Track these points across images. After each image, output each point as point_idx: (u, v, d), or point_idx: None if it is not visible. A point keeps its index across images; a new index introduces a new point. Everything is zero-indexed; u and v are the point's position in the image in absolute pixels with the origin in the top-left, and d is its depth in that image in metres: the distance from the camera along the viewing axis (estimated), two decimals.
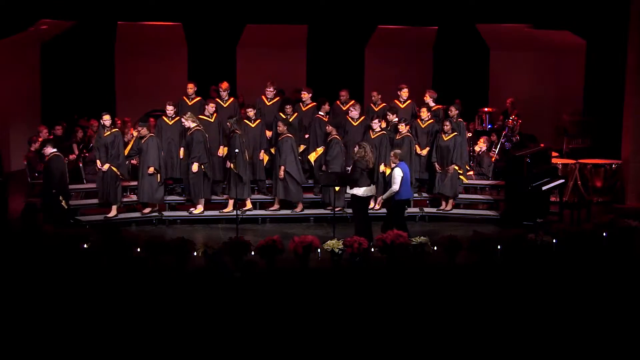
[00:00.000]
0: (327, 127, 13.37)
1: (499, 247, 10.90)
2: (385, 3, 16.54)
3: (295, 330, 8.63)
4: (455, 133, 13.33)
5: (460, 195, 13.87)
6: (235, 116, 13.33)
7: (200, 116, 13.49)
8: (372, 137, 13.21)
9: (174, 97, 13.97)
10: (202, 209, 13.13)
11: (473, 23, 17.85)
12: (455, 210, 13.68)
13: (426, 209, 13.72)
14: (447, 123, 13.33)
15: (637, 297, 9.60)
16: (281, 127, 13.15)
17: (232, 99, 14.16)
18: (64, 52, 18.10)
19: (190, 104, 13.93)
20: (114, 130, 12.92)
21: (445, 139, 13.32)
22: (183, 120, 12.96)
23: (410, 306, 9.33)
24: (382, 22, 17.92)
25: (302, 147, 13.73)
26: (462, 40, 18.64)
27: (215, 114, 13.56)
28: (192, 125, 12.86)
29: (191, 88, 14.01)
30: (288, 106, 13.74)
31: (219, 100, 13.96)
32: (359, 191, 11.63)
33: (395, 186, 11.48)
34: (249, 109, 13.60)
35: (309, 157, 13.69)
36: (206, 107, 13.57)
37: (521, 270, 10.60)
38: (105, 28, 17.61)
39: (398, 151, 11.88)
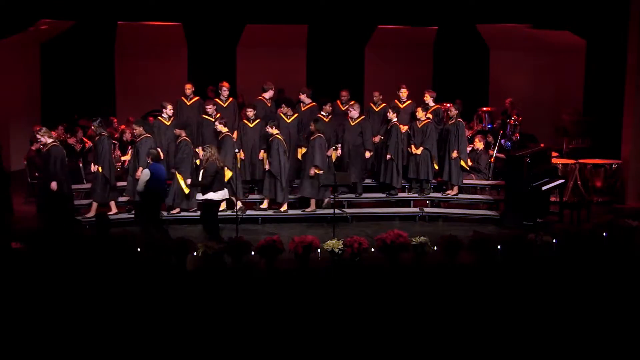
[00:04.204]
0: (175, 130, 13.08)
1: (499, 247, 10.90)
2: (385, 3, 16.54)
3: (295, 329, 8.63)
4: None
5: (460, 195, 13.90)
6: (98, 119, 13.08)
7: (202, 116, 13.51)
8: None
9: (174, 97, 13.98)
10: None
11: (473, 23, 17.85)
12: (455, 210, 13.69)
13: (426, 209, 13.73)
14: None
15: (637, 297, 9.60)
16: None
17: (231, 99, 14.17)
18: (64, 52, 18.11)
19: (188, 104, 13.95)
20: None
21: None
22: (39, 136, 12.48)
23: (410, 306, 9.33)
24: (382, 22, 17.92)
25: (304, 149, 13.78)
26: (462, 40, 18.64)
27: (218, 114, 13.57)
28: (49, 141, 12.34)
29: (189, 88, 14.02)
30: (283, 106, 13.76)
31: (218, 101, 13.97)
32: (214, 196, 11.63)
33: (139, 187, 11.54)
34: (249, 109, 13.59)
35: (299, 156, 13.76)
36: (207, 107, 13.58)
37: (521, 270, 10.60)
38: (105, 28, 17.62)
39: (153, 151, 11.84)
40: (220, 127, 13.02)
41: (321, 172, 12.82)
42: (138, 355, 8.18)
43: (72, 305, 9.21)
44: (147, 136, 12.79)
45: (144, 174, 11.53)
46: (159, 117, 13.53)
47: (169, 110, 13.42)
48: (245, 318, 8.91)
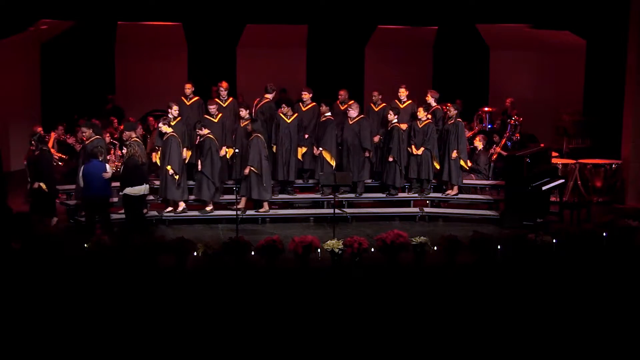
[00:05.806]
0: (124, 134, 13.03)
1: (499, 247, 10.90)
2: (385, 3, 16.53)
3: (295, 329, 8.64)
4: None
5: (460, 195, 13.90)
6: (37, 134, 13.21)
7: (205, 116, 13.51)
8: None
9: (174, 97, 13.96)
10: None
11: (473, 23, 17.85)
12: (455, 210, 13.70)
13: (426, 209, 13.73)
14: None
15: (637, 297, 9.60)
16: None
17: (231, 99, 14.18)
18: (64, 52, 18.09)
19: (188, 104, 13.94)
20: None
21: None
22: None
23: (410, 306, 9.34)
24: (382, 22, 17.91)
25: (304, 149, 13.77)
26: (462, 40, 18.63)
27: (220, 114, 13.57)
28: None
29: (189, 88, 14.02)
30: (284, 106, 13.76)
31: (218, 100, 13.97)
32: (131, 190, 11.79)
33: (80, 183, 11.89)
34: (241, 109, 13.57)
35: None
36: (210, 107, 13.57)
37: (521, 270, 10.60)
38: (105, 28, 17.61)
39: (94, 149, 11.97)
40: (165, 128, 12.96)
41: (255, 170, 12.83)
42: (138, 356, 8.18)
43: (72, 306, 9.22)
44: (98, 138, 12.83)
45: (81, 171, 11.80)
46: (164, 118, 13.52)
47: (174, 110, 13.33)
48: (245, 318, 8.91)
